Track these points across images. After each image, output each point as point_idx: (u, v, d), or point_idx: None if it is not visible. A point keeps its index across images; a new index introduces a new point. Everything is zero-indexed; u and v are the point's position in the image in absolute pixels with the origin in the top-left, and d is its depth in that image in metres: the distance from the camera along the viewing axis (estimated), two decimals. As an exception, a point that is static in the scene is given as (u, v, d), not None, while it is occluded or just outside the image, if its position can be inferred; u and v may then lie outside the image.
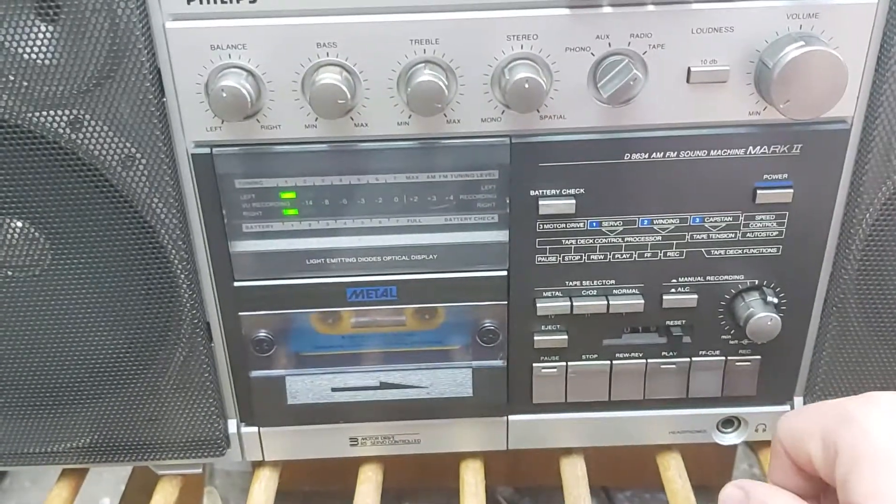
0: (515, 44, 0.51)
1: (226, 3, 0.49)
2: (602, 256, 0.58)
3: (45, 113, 0.51)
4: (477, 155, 0.54)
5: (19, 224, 0.55)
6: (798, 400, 0.64)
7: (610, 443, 0.66)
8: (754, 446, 0.71)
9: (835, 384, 0.63)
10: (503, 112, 0.53)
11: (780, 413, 0.64)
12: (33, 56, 0.49)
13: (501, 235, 0.57)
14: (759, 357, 0.62)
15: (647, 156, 0.54)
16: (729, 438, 0.66)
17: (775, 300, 0.59)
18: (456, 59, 0.51)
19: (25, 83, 0.50)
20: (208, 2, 0.49)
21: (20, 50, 0.49)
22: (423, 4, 0.50)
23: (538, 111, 0.53)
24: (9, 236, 0.55)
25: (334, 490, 0.77)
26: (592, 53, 0.51)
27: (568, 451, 0.67)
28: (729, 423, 0.66)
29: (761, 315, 0.58)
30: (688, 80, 0.52)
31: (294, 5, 0.49)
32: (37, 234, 0.55)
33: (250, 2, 0.49)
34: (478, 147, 0.54)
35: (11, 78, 0.50)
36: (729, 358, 0.62)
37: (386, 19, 0.50)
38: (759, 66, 0.51)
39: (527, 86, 0.50)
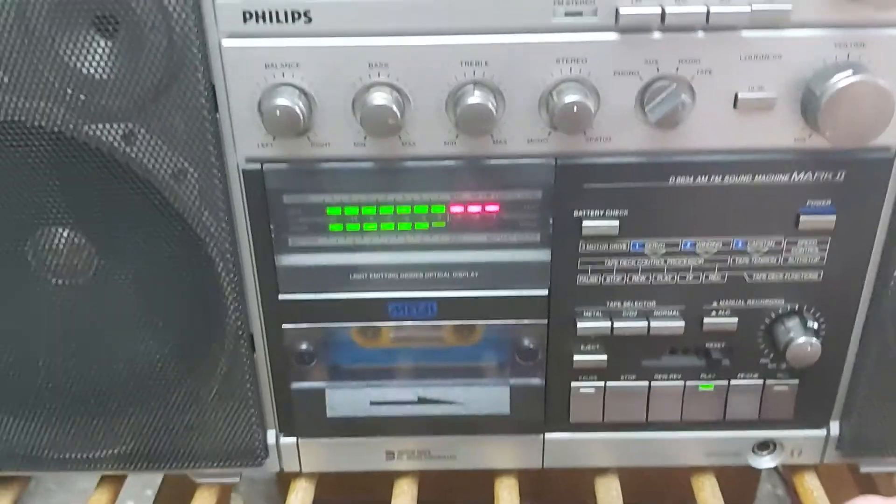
0: (564, 67, 0.51)
1: (281, 22, 0.50)
2: (644, 278, 0.58)
3: (100, 126, 0.52)
4: (522, 175, 0.55)
5: (70, 233, 0.56)
6: (834, 424, 0.64)
7: (646, 463, 0.66)
8: (784, 469, 0.71)
9: (872, 410, 0.62)
10: (549, 133, 0.53)
11: (817, 437, 0.65)
12: (91, 70, 0.50)
13: (543, 255, 0.58)
14: (796, 381, 0.62)
15: (691, 179, 0.55)
16: (764, 461, 0.66)
17: (815, 325, 0.59)
18: (505, 81, 0.52)
19: (83, 97, 0.51)
20: (264, 21, 0.50)
21: (79, 64, 0.50)
22: (473, 27, 0.50)
23: (584, 133, 0.53)
24: (59, 245, 0.57)
25: (367, 503, 0.77)
26: (641, 77, 0.51)
27: (603, 471, 0.67)
28: (764, 446, 0.66)
29: (801, 340, 0.58)
30: (735, 106, 0.52)
31: (348, 26, 0.50)
32: (86, 243, 0.57)
33: (305, 22, 0.50)
34: (523, 167, 0.55)
35: (69, 92, 0.51)
36: (767, 381, 0.62)
37: (437, 41, 0.51)
38: (807, 94, 0.51)
39: (575, 109, 0.50)
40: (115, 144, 0.52)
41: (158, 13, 0.48)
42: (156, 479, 0.91)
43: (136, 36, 0.49)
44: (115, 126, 0.52)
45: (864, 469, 0.67)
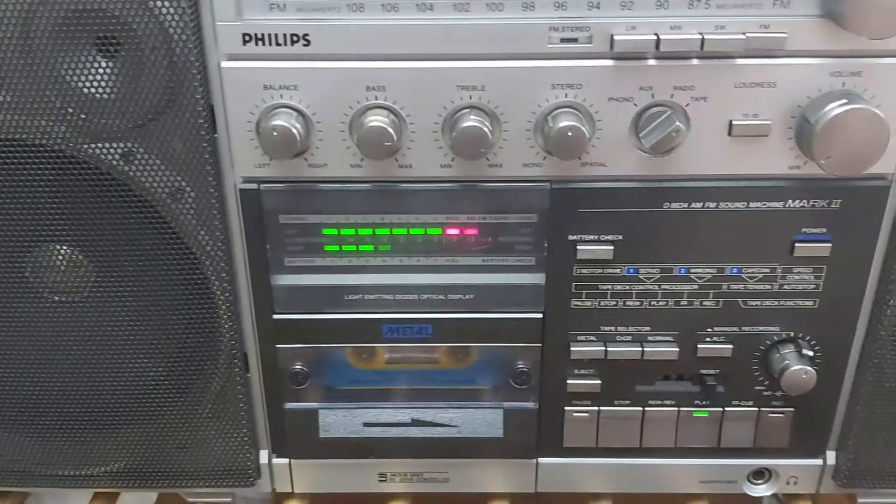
0: (560, 92, 0.52)
1: (280, 45, 0.51)
2: (638, 303, 0.58)
3: (100, 145, 0.52)
4: (517, 198, 0.55)
5: (68, 250, 0.57)
6: (830, 453, 0.64)
7: (639, 490, 0.65)
8: (783, 498, 0.70)
9: (868, 439, 0.62)
10: (545, 158, 0.54)
11: (812, 466, 0.64)
12: (92, 90, 0.51)
13: (538, 278, 0.58)
14: (792, 409, 0.62)
15: (686, 205, 0.55)
16: (759, 490, 0.65)
17: (810, 353, 0.59)
18: (501, 106, 0.52)
19: (83, 116, 0.51)
20: (263, 43, 0.51)
21: (80, 84, 0.51)
22: (470, 52, 0.51)
23: (579, 158, 0.53)
24: (57, 262, 0.57)
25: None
26: (635, 104, 0.52)
27: (596, 497, 0.67)
28: (760, 474, 0.65)
29: (796, 368, 0.58)
30: (729, 133, 0.52)
31: (346, 49, 0.51)
32: (84, 260, 0.57)
33: (304, 45, 0.51)
34: (518, 191, 0.55)
35: (70, 111, 0.51)
36: (762, 409, 0.61)
37: (434, 65, 0.51)
38: (801, 122, 0.52)
39: (570, 134, 0.51)
40: (114, 163, 0.53)
41: (159, 35, 0.49)
42: (149, 496, 0.91)
43: (137, 57, 0.50)
44: (115, 145, 0.52)
45: (861, 500, 0.66)
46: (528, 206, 0.55)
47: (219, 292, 0.57)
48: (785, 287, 0.57)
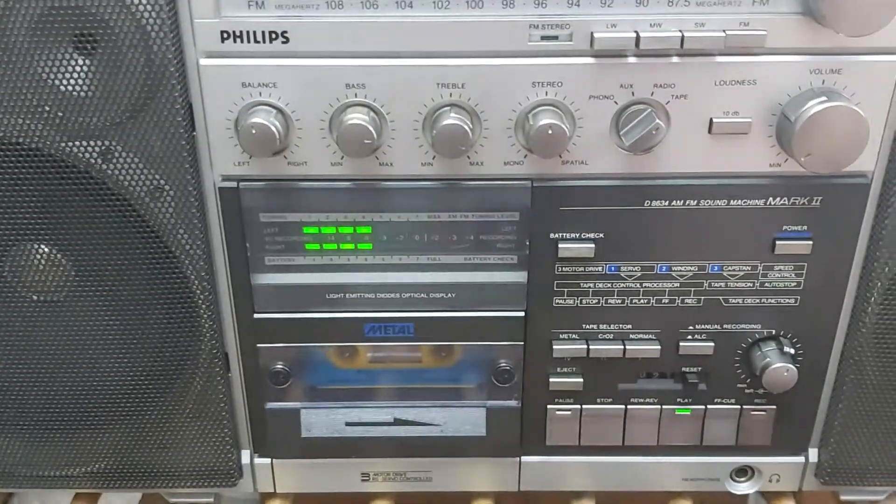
0: (540, 90, 0.51)
1: (259, 42, 0.50)
2: (620, 301, 0.58)
3: (77, 143, 0.52)
4: (498, 197, 0.55)
5: (45, 249, 0.56)
6: (813, 451, 0.64)
7: (622, 488, 0.65)
8: (767, 496, 0.71)
9: (850, 437, 0.62)
10: (525, 156, 0.53)
11: (795, 464, 0.64)
12: (69, 88, 0.50)
13: (520, 276, 0.58)
14: (774, 407, 0.62)
15: (667, 203, 0.55)
16: (742, 487, 0.66)
17: (792, 351, 0.59)
18: (481, 104, 0.52)
19: (60, 114, 0.51)
20: (242, 41, 0.50)
21: (57, 82, 0.50)
22: (450, 50, 0.51)
23: (560, 156, 0.53)
24: (36, 261, 0.56)
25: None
26: (616, 102, 0.52)
27: (579, 495, 0.67)
28: (742, 472, 0.65)
29: (778, 365, 0.58)
30: (709, 131, 0.52)
31: (325, 47, 0.50)
32: (63, 259, 0.56)
33: (283, 42, 0.50)
34: (499, 189, 0.55)
35: (47, 109, 0.51)
36: (744, 407, 0.61)
37: (414, 63, 0.51)
38: (781, 120, 0.52)
39: (550, 132, 0.51)
40: (93, 161, 0.52)
41: (137, 32, 0.49)
42: (133, 496, 0.91)
43: (115, 54, 0.49)
44: (93, 143, 0.52)
45: (844, 497, 0.67)
46: (510, 204, 0.55)
47: (199, 291, 0.57)
48: (766, 285, 0.57)
